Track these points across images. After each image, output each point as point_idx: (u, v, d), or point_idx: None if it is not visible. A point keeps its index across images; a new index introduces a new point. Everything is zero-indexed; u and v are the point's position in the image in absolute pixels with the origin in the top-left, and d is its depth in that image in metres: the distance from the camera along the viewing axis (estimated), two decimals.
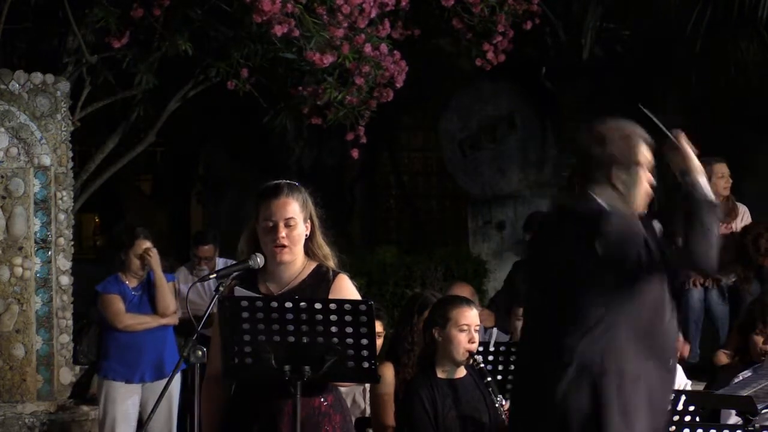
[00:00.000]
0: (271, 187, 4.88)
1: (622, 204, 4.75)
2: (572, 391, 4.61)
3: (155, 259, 8.26)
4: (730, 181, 9.45)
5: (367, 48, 8.93)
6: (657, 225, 9.99)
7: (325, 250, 4.91)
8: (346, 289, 4.84)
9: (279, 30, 8.53)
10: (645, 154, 4.80)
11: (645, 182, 4.80)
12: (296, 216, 4.81)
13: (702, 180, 4.72)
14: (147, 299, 8.32)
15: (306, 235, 4.85)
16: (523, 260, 9.62)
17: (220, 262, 9.65)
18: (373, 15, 8.85)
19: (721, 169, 9.34)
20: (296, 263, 4.85)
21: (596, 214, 4.70)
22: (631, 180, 4.76)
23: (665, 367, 4.74)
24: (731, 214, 9.55)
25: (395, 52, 9.20)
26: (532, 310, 4.97)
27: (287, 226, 4.79)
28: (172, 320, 8.41)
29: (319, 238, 4.90)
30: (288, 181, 4.91)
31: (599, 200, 4.75)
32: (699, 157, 4.76)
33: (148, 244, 8.26)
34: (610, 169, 4.74)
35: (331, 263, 4.90)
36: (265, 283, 4.86)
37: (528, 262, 5.20)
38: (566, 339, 4.64)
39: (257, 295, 4.74)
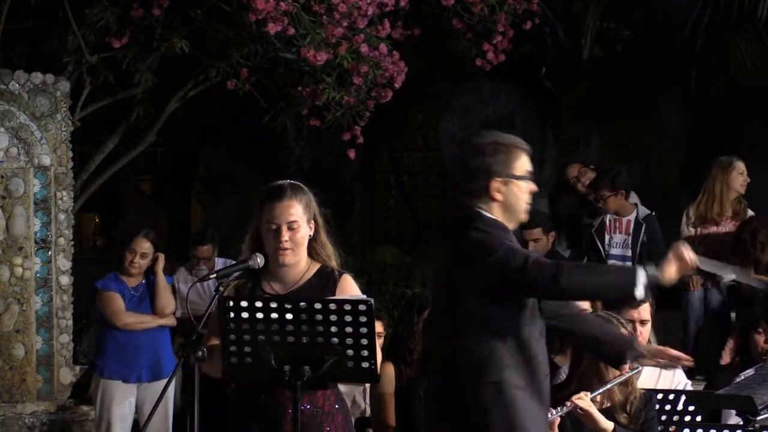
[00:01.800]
0: (275, 188, 4.84)
1: (503, 215, 4.66)
2: (482, 399, 4.55)
3: (161, 264, 8.28)
4: (748, 179, 9.61)
5: (364, 48, 8.92)
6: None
7: (328, 250, 4.89)
8: (351, 288, 4.83)
9: (272, 28, 8.50)
10: (525, 165, 4.72)
11: (526, 193, 4.71)
12: (299, 219, 4.78)
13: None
14: (147, 299, 8.32)
15: (309, 236, 4.83)
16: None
17: (219, 262, 9.64)
18: (369, 13, 8.83)
19: (741, 166, 9.70)
20: (300, 264, 4.84)
21: (465, 218, 4.63)
22: (510, 191, 4.67)
23: (540, 386, 4.62)
24: (741, 215, 9.61)
25: (394, 52, 9.19)
26: (434, 324, 4.95)
27: (290, 229, 4.77)
28: (171, 321, 8.40)
29: (323, 238, 4.88)
30: (291, 182, 4.87)
31: (478, 209, 4.66)
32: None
33: (147, 244, 8.24)
34: (488, 181, 4.65)
35: (334, 263, 4.89)
36: (269, 283, 4.85)
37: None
38: (461, 344, 4.59)
39: (266, 297, 4.73)
